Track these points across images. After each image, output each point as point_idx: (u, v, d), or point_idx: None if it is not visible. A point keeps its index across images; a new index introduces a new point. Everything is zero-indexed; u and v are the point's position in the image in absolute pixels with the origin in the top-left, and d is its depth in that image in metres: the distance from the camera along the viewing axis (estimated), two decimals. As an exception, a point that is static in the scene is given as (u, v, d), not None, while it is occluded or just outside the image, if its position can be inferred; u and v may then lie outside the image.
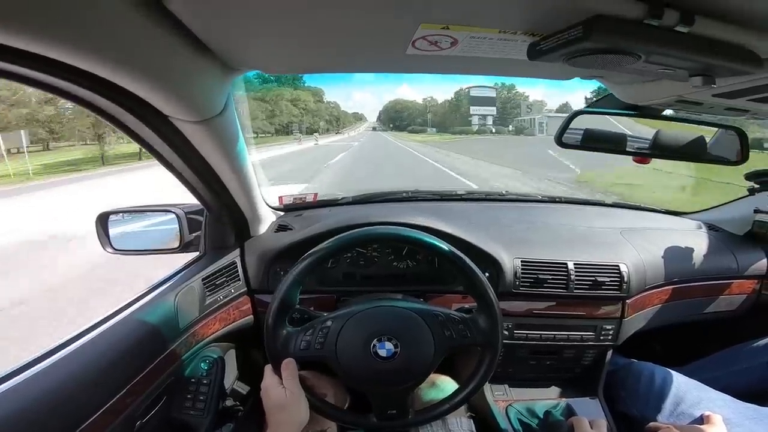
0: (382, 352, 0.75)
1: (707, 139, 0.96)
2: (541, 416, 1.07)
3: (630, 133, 0.96)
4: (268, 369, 0.77)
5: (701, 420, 0.90)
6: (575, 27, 0.45)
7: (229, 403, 1.12)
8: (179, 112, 0.65)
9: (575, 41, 0.45)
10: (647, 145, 0.95)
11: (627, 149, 0.95)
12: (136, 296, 0.89)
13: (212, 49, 0.57)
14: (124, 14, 0.41)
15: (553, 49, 0.50)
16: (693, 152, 0.96)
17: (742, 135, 0.93)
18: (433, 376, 0.89)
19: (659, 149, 0.93)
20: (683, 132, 0.95)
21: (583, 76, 0.80)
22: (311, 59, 0.69)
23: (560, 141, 0.90)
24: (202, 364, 0.98)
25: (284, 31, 0.52)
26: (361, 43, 0.60)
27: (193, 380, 0.95)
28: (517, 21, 0.49)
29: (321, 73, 0.77)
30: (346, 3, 0.45)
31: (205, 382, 0.96)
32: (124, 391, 0.71)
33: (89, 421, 0.63)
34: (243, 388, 1.22)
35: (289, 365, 0.75)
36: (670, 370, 1.09)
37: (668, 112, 0.90)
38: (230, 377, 1.17)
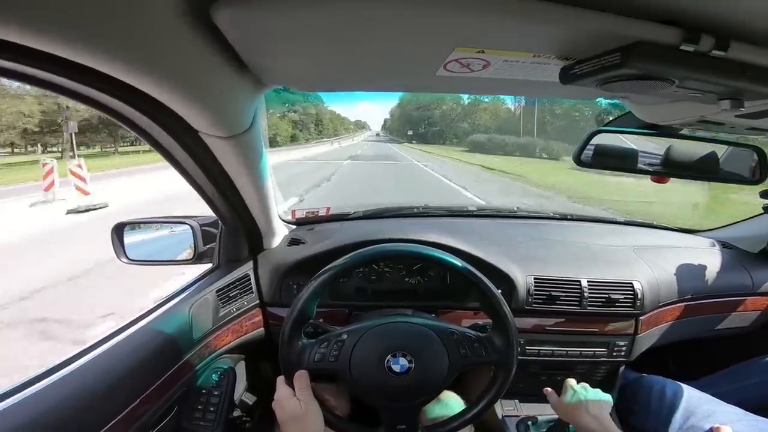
0: (396, 368, 0.75)
1: (719, 155, 0.95)
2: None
3: (641, 150, 0.96)
4: (280, 381, 0.76)
5: None
6: (612, 53, 0.45)
7: (237, 413, 1.12)
8: (210, 128, 0.66)
9: (612, 67, 0.45)
10: (659, 161, 0.94)
11: (638, 166, 0.94)
12: (153, 306, 0.89)
13: (248, 65, 0.57)
14: (170, 27, 0.42)
15: (588, 74, 0.49)
16: (706, 169, 0.94)
17: (761, 153, 0.91)
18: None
19: (670, 166, 0.92)
20: (695, 148, 0.94)
21: (608, 97, 0.81)
22: (342, 78, 0.69)
23: (578, 160, 0.90)
24: (214, 375, 0.99)
25: (320, 50, 0.53)
26: (393, 65, 0.60)
27: (204, 391, 0.96)
28: (551, 45, 0.49)
29: (349, 91, 0.78)
30: (384, 25, 0.45)
31: (216, 393, 0.97)
32: (139, 400, 0.72)
33: (103, 430, 0.64)
34: (251, 399, 1.22)
35: (302, 377, 0.74)
36: (681, 384, 1.08)
37: (686, 131, 0.89)
38: (239, 388, 1.17)
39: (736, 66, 0.46)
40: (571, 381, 0.90)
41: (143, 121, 0.60)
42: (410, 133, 56.40)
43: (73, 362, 0.69)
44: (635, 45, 0.43)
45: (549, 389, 0.92)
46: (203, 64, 0.51)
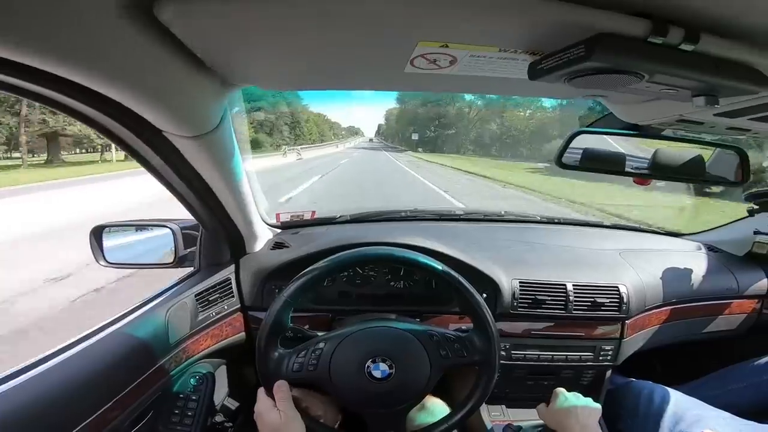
0: (377, 373, 0.74)
1: (706, 159, 0.95)
2: None
3: (629, 153, 0.96)
4: (261, 392, 0.75)
5: None
6: (577, 46, 0.43)
7: (219, 419, 1.10)
8: (173, 127, 0.64)
9: (577, 60, 0.44)
10: (646, 165, 0.94)
11: (626, 169, 0.94)
12: (128, 309, 0.88)
13: (206, 63, 0.56)
14: (114, 25, 0.41)
15: (554, 68, 0.48)
16: (692, 172, 0.95)
17: (742, 155, 0.91)
18: (424, 399, 0.87)
19: (658, 169, 0.93)
20: (682, 151, 0.94)
21: (584, 96, 0.80)
22: (309, 76, 0.68)
23: (560, 162, 0.90)
24: (191, 379, 0.97)
25: (281, 47, 0.52)
26: (360, 61, 0.59)
27: (181, 396, 0.94)
28: (517, 39, 0.48)
29: (319, 89, 0.76)
30: (344, 20, 0.44)
31: (193, 398, 0.95)
32: (110, 404, 0.71)
33: None
34: (233, 404, 1.21)
35: (281, 387, 0.73)
36: (669, 389, 1.08)
37: (668, 131, 0.89)
38: (221, 393, 1.15)
39: (708, 60, 0.45)
40: (560, 389, 0.90)
41: (108, 122, 0.59)
42: (415, 137, 41.88)
43: (42, 364, 0.68)
44: (599, 37, 0.41)
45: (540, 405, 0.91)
46: (156, 62, 0.50)
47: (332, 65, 0.62)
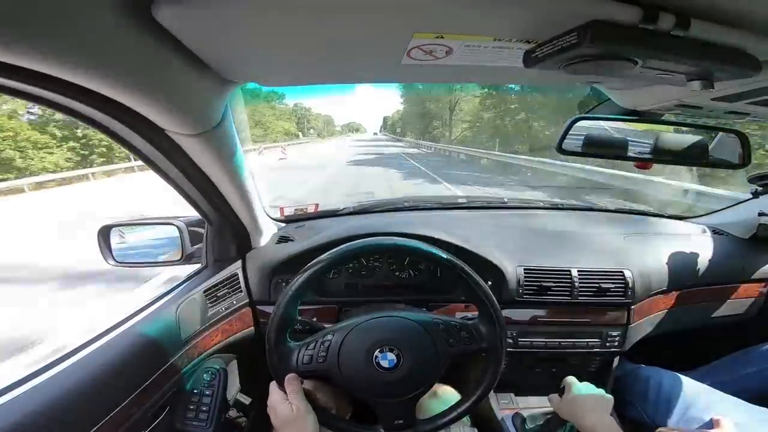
0: (384, 363, 0.75)
1: (709, 143, 0.95)
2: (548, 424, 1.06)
3: (630, 138, 0.96)
4: (273, 386, 0.76)
5: (711, 424, 0.88)
6: (570, 33, 0.44)
7: (232, 414, 1.12)
8: (175, 126, 0.65)
9: (570, 48, 0.45)
10: (648, 150, 0.94)
11: (628, 154, 0.94)
12: (138, 308, 0.89)
13: (205, 61, 0.57)
14: (112, 26, 0.41)
15: (548, 56, 0.49)
16: (694, 156, 0.95)
17: (743, 138, 0.92)
18: (434, 388, 0.88)
19: (660, 153, 0.92)
20: (684, 136, 0.94)
21: (581, 82, 0.80)
22: (307, 71, 0.68)
23: (560, 148, 0.90)
24: (205, 375, 0.98)
25: (278, 43, 0.52)
26: (357, 54, 0.59)
27: (195, 391, 0.95)
28: (511, 28, 0.48)
29: (318, 84, 0.76)
30: (339, 13, 0.45)
31: (207, 393, 0.96)
32: (126, 402, 0.71)
33: None
34: (246, 399, 1.22)
35: (292, 381, 0.74)
36: (678, 375, 1.08)
37: (668, 117, 0.89)
38: (233, 388, 1.17)
39: (700, 45, 0.45)
40: (572, 378, 0.90)
41: (111, 123, 0.59)
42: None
43: (57, 365, 0.69)
44: (591, 24, 0.42)
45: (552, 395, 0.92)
46: (156, 62, 0.50)
47: (330, 59, 0.62)
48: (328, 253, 0.81)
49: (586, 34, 0.42)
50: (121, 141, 0.65)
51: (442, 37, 0.50)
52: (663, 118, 0.89)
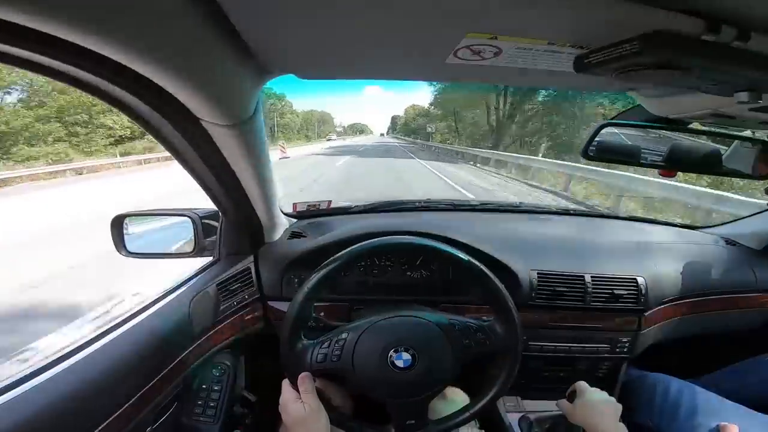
0: (399, 363, 0.74)
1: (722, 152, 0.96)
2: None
3: (644, 146, 0.96)
4: (285, 384, 0.76)
5: (717, 431, 0.89)
6: (630, 41, 0.45)
7: (237, 410, 1.11)
8: (212, 115, 0.64)
9: (630, 56, 0.45)
10: (661, 157, 0.94)
11: (641, 161, 0.95)
12: (152, 300, 0.88)
13: (252, 50, 0.56)
14: (175, 10, 0.41)
15: (603, 62, 0.49)
16: (708, 165, 0.95)
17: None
18: (444, 389, 0.88)
19: (674, 162, 0.93)
20: (698, 144, 0.94)
21: (621, 89, 0.80)
22: (348, 65, 0.68)
23: (586, 153, 0.90)
24: (214, 370, 0.98)
25: (327, 35, 0.52)
26: (402, 51, 0.59)
27: (204, 386, 0.95)
28: (567, 33, 0.48)
29: (356, 79, 0.75)
30: (395, 8, 0.44)
31: (216, 388, 0.96)
32: (137, 397, 0.71)
33: (100, 427, 0.63)
34: (252, 396, 1.21)
35: (306, 380, 0.74)
36: (685, 382, 1.08)
37: (695, 125, 0.89)
38: (240, 383, 1.16)
39: (758, 57, 0.46)
40: (584, 384, 0.90)
41: (143, 109, 0.58)
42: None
43: (69, 358, 0.68)
44: (655, 34, 0.43)
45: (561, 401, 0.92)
46: (207, 49, 0.50)
47: (374, 54, 0.61)
48: (344, 251, 0.80)
49: (649, 43, 0.43)
50: (150, 128, 0.64)
51: (495, 38, 0.50)
52: (690, 126, 0.89)
